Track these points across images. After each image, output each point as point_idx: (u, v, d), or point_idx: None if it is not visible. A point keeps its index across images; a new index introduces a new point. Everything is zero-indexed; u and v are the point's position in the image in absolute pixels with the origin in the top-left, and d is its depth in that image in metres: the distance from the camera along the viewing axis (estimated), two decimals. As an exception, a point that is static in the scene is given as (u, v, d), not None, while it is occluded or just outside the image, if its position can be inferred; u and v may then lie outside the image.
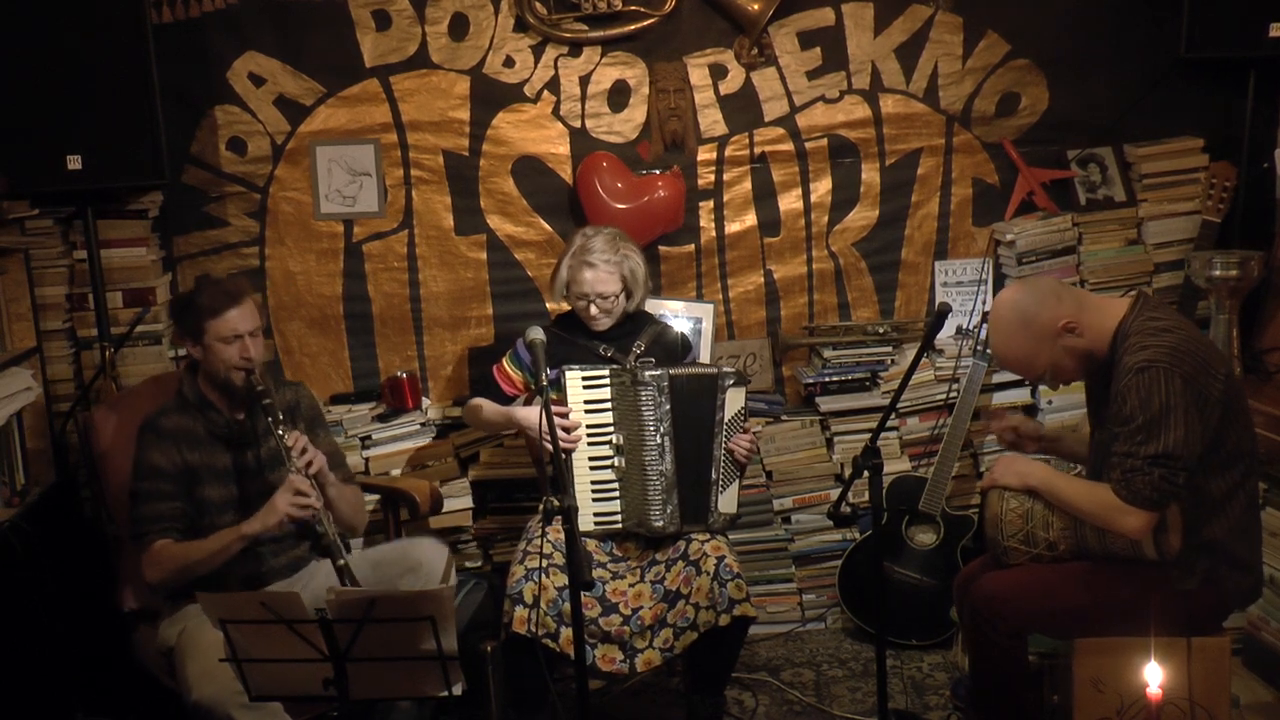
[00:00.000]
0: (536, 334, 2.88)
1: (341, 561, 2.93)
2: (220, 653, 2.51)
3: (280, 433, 3.01)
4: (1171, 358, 2.64)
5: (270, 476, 3.12)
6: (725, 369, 3.33)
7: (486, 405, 3.46)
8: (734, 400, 3.32)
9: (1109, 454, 2.73)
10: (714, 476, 3.30)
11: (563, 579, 3.10)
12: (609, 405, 3.30)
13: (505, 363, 3.50)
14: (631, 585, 3.23)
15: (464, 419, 3.62)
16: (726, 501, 3.33)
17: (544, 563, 3.12)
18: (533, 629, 3.03)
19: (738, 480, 3.38)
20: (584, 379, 3.30)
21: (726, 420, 3.30)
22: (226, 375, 3.07)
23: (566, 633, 3.06)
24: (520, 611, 3.05)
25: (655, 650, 3.15)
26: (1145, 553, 2.75)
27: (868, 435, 2.98)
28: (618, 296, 3.36)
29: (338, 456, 3.32)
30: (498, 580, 3.61)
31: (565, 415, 3.24)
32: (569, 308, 3.49)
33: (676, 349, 3.50)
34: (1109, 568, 2.80)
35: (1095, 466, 2.88)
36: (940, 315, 2.93)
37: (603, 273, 3.32)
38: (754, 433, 3.44)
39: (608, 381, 3.30)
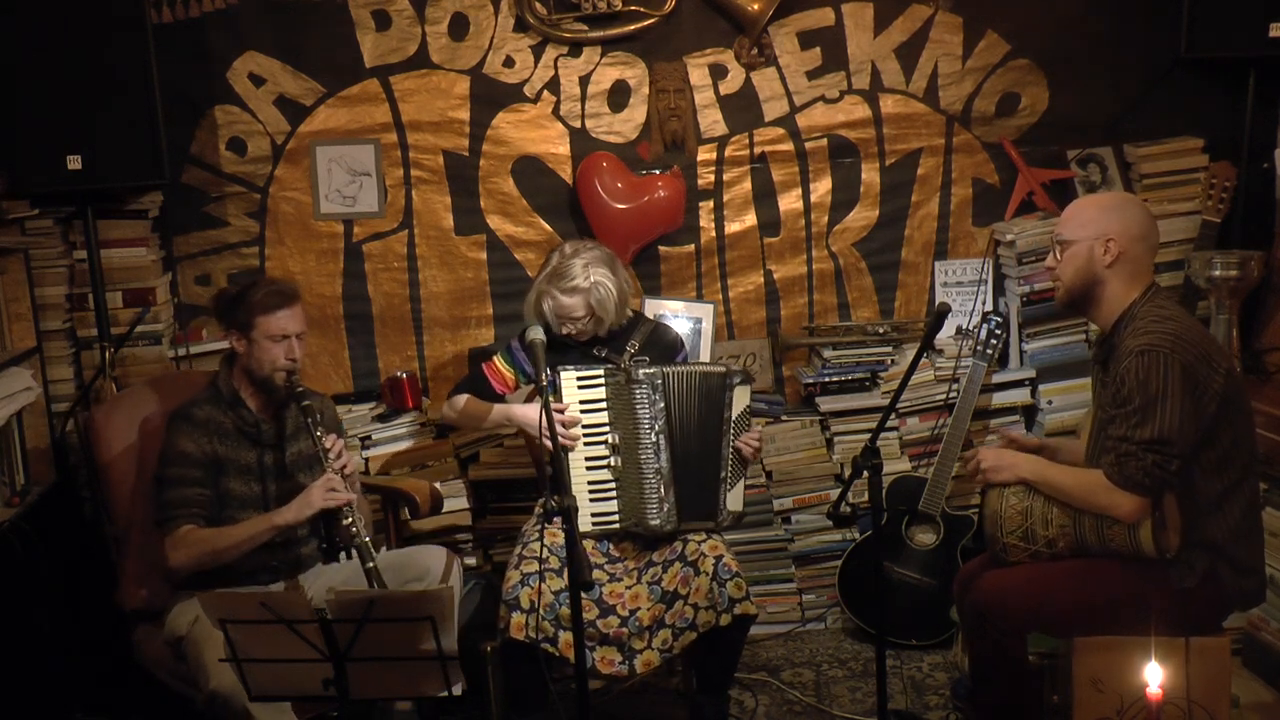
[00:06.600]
0: (537, 334, 2.87)
1: (371, 564, 2.97)
2: None
3: (319, 434, 3.07)
4: (1173, 344, 2.66)
5: (294, 480, 3.15)
6: (732, 367, 3.34)
7: (481, 402, 3.43)
8: (740, 398, 3.32)
9: (1105, 436, 2.73)
10: (724, 474, 3.30)
11: (559, 582, 3.10)
12: (604, 405, 3.29)
13: (498, 361, 3.48)
14: (629, 588, 3.22)
15: (445, 414, 3.52)
16: (734, 499, 3.34)
17: (540, 567, 3.11)
18: (531, 634, 3.03)
19: (743, 479, 3.38)
20: (579, 379, 3.29)
21: (734, 418, 3.31)
22: (269, 374, 3.10)
23: (565, 636, 3.06)
24: (517, 617, 3.04)
25: (654, 651, 3.15)
26: (1144, 549, 2.74)
27: (868, 435, 2.97)
28: (587, 320, 3.32)
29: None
30: (497, 580, 3.60)
31: (563, 411, 3.24)
32: None
33: (673, 347, 3.49)
34: (1108, 565, 2.80)
35: (1094, 450, 2.89)
36: (940, 315, 2.93)
37: (565, 301, 3.26)
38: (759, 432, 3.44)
39: (602, 381, 3.30)
